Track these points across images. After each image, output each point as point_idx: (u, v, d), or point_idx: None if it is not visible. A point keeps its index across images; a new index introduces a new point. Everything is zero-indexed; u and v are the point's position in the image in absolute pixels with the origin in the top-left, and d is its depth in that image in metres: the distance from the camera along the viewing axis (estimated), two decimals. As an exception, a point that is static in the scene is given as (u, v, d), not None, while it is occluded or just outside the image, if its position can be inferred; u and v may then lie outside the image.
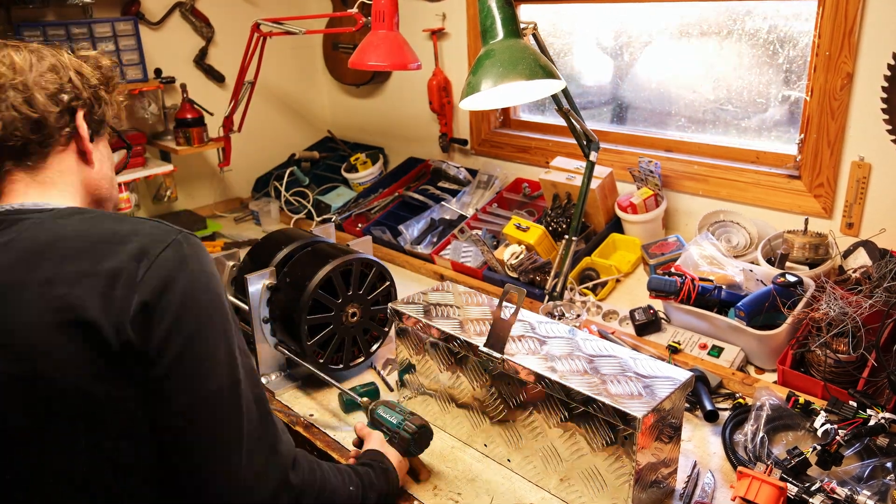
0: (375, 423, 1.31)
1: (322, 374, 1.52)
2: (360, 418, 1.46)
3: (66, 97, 0.98)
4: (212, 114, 2.60)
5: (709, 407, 1.46)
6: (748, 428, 1.35)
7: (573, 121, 1.74)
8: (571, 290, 1.92)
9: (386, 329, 1.67)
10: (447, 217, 2.45)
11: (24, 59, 0.96)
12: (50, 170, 0.99)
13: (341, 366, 1.61)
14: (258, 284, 1.55)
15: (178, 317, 0.86)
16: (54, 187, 0.99)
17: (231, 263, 1.74)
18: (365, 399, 1.38)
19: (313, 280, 1.50)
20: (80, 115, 1.00)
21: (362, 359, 1.65)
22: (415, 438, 1.26)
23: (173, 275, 0.87)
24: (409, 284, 2.19)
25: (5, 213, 0.94)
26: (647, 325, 1.72)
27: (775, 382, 1.54)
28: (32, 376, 0.83)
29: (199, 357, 0.88)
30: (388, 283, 1.65)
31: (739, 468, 1.18)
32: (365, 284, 1.60)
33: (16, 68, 0.94)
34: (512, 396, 1.26)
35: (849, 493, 1.13)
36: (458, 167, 2.60)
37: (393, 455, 1.24)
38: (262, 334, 1.58)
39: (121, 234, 0.89)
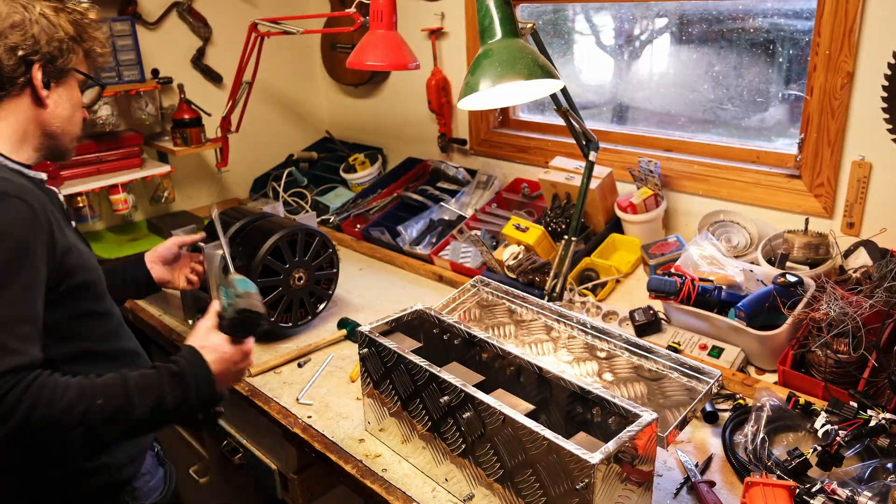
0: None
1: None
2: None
3: (21, 52, 1.15)
4: (209, 114, 2.59)
5: (708, 408, 1.46)
6: (748, 429, 1.35)
7: (572, 120, 1.73)
8: (571, 290, 1.91)
9: (330, 292, 1.91)
10: (446, 217, 2.45)
11: None
12: (4, 105, 1.19)
13: (290, 324, 1.83)
14: (215, 254, 1.69)
15: None
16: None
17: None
18: (226, 277, 1.30)
19: (263, 247, 1.71)
20: (35, 66, 1.18)
21: (309, 318, 1.88)
22: (233, 323, 1.19)
23: None
24: (407, 286, 2.19)
25: None
26: (647, 325, 1.72)
27: (776, 383, 1.53)
28: None
29: None
30: (330, 250, 1.86)
31: (747, 479, 1.17)
32: (309, 252, 1.81)
33: None
34: (471, 431, 1.21)
35: (850, 494, 1.12)
36: (457, 167, 2.59)
37: (214, 348, 1.19)
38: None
39: None
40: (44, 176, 1.28)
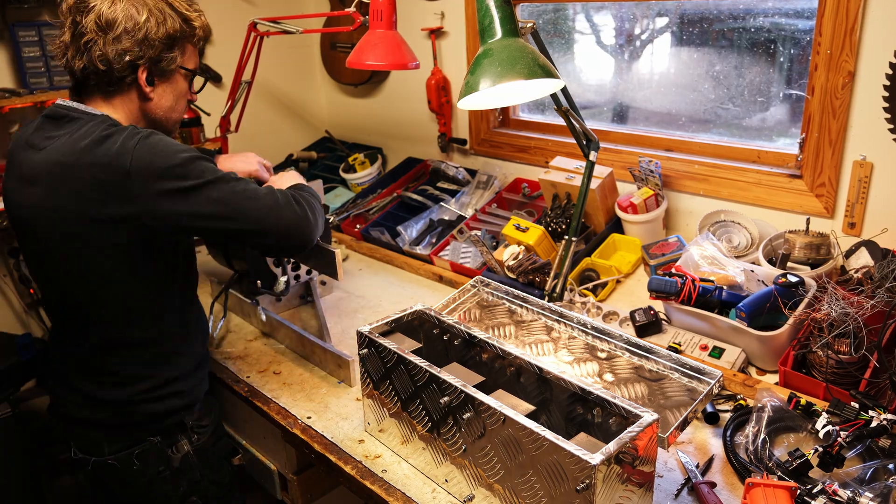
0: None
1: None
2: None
3: (128, 58, 1.34)
4: (209, 114, 2.59)
5: (709, 409, 1.45)
6: (749, 430, 1.34)
7: (573, 120, 1.73)
8: (571, 291, 1.91)
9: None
10: (446, 217, 2.44)
11: (108, 18, 1.31)
12: (116, 99, 1.40)
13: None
14: None
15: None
16: (111, 108, 1.40)
17: None
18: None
19: None
20: (140, 69, 1.37)
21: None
22: None
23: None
24: (407, 286, 2.18)
25: (71, 109, 1.38)
26: (648, 326, 1.71)
27: (777, 384, 1.53)
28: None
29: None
30: None
31: (748, 480, 1.16)
32: None
33: (103, 27, 1.31)
34: (469, 431, 1.22)
35: (851, 494, 1.12)
36: (457, 167, 2.59)
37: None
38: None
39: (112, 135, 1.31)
40: None
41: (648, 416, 1.09)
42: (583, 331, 1.44)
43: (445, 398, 1.22)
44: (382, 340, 1.34)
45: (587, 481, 1.01)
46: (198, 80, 1.59)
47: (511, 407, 1.14)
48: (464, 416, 1.19)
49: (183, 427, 1.50)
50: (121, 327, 1.41)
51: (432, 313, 1.46)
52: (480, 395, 1.17)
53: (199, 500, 1.55)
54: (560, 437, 1.05)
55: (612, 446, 1.03)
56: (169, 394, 1.47)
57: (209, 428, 1.56)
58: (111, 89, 1.37)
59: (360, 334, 1.39)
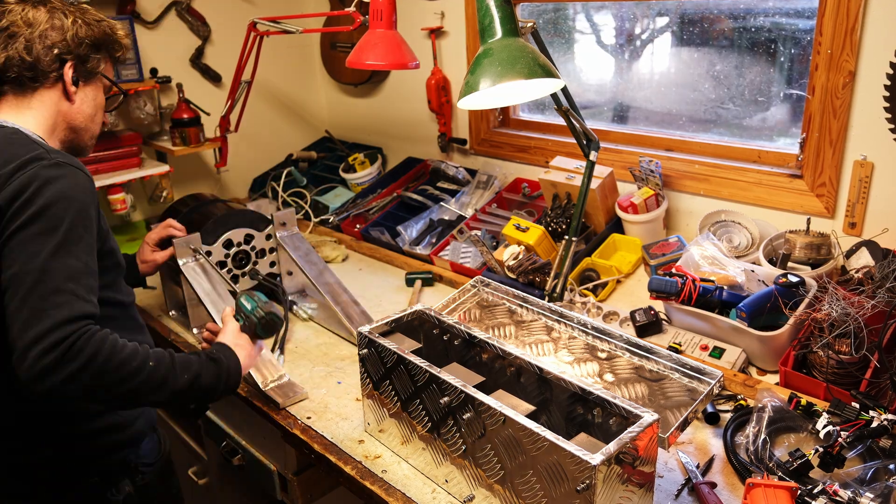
0: (238, 310, 1.46)
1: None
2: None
3: (56, 51, 1.30)
4: (208, 114, 2.59)
5: (710, 409, 1.45)
6: (750, 430, 1.34)
7: (573, 120, 1.72)
8: (571, 291, 1.91)
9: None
10: (446, 217, 2.44)
11: (35, 16, 1.29)
12: (34, 99, 1.33)
13: None
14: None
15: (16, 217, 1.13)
16: (30, 111, 1.32)
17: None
18: (241, 290, 1.53)
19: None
20: (68, 64, 1.32)
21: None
22: (262, 323, 1.42)
23: (26, 185, 1.15)
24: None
25: None
26: (648, 326, 1.71)
27: (777, 384, 1.53)
28: None
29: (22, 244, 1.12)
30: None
31: (748, 480, 1.16)
32: None
33: (28, 22, 1.28)
34: (470, 431, 1.21)
35: (851, 495, 1.12)
36: (457, 167, 2.58)
37: (243, 346, 1.40)
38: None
39: (15, 155, 1.20)
40: None
41: (649, 416, 1.09)
42: (583, 331, 1.44)
43: (445, 398, 1.21)
44: (382, 340, 1.34)
45: (587, 482, 1.01)
46: (114, 98, 1.51)
47: (511, 407, 1.14)
48: (464, 417, 1.19)
49: (125, 466, 1.38)
50: None
51: (432, 313, 1.46)
52: (480, 396, 1.16)
53: None
54: (560, 438, 1.05)
55: (612, 446, 1.02)
56: (105, 428, 1.33)
57: (156, 466, 1.45)
58: (34, 85, 1.30)
59: (359, 334, 1.38)
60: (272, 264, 2.05)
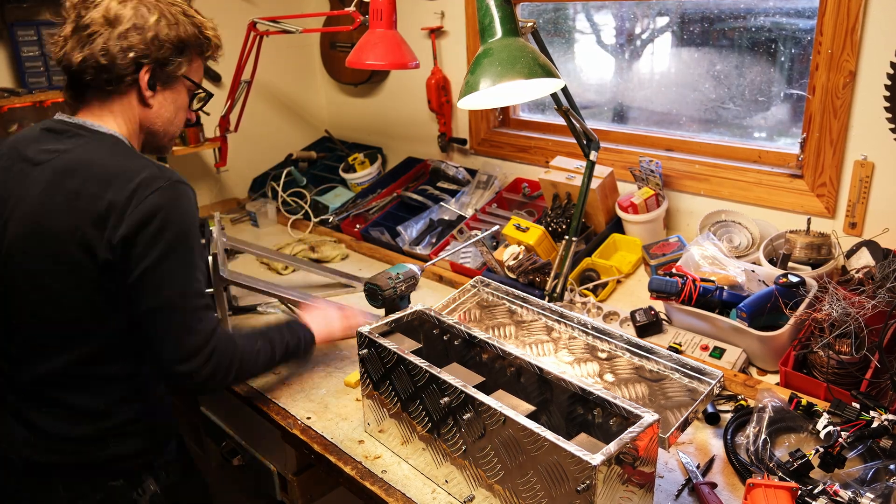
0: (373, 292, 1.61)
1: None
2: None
3: (133, 54, 1.25)
4: (208, 114, 2.55)
5: (710, 409, 1.45)
6: (750, 430, 1.34)
7: (573, 120, 1.72)
8: (572, 291, 1.90)
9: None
10: (446, 217, 2.44)
11: (120, 13, 1.24)
12: (115, 103, 1.30)
13: None
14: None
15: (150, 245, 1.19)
16: (111, 115, 1.30)
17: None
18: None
19: None
20: (143, 69, 1.27)
21: None
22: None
23: (154, 212, 1.19)
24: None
25: (75, 126, 1.29)
26: (648, 326, 1.71)
27: (777, 384, 1.52)
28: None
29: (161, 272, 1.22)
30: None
31: (749, 480, 1.16)
32: None
33: (110, 20, 1.24)
34: (470, 431, 1.21)
35: (852, 495, 1.12)
36: (457, 167, 2.58)
37: (316, 320, 1.59)
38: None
39: (128, 171, 1.21)
40: None
41: (649, 416, 1.08)
42: (583, 331, 1.44)
43: (445, 399, 1.21)
44: (382, 341, 1.34)
45: (588, 482, 1.00)
46: (198, 98, 1.48)
47: (511, 407, 1.14)
48: (464, 417, 1.18)
49: (150, 466, 1.38)
50: (97, 364, 1.29)
51: (432, 313, 1.46)
52: (480, 396, 1.16)
53: None
54: (560, 438, 1.05)
55: (612, 447, 1.02)
56: (137, 431, 1.35)
57: (179, 465, 1.46)
58: (109, 89, 1.27)
59: (359, 334, 1.38)
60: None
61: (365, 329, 1.38)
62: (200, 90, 1.42)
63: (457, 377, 1.22)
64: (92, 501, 1.33)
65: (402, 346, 1.33)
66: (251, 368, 1.40)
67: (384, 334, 1.41)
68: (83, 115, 1.31)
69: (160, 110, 1.34)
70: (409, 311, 1.47)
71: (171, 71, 1.31)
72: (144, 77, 1.28)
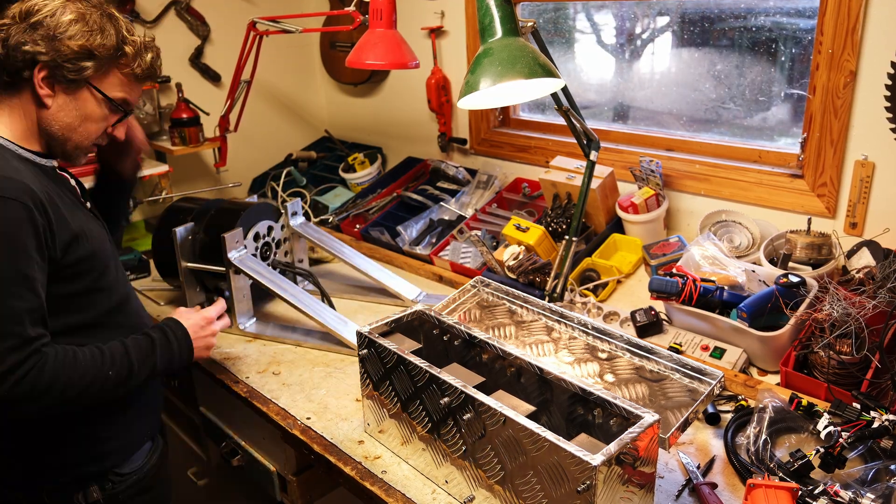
0: None
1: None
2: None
3: (28, 48, 1.22)
4: (208, 113, 2.58)
5: (710, 409, 1.45)
6: (750, 430, 1.34)
7: (573, 120, 1.72)
8: (572, 291, 1.90)
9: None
10: (446, 217, 2.44)
11: (36, 9, 1.23)
12: (12, 97, 1.27)
13: None
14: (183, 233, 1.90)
15: None
16: (8, 111, 1.27)
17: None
18: None
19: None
20: (38, 66, 1.23)
21: None
22: None
23: None
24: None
25: None
26: (649, 326, 1.71)
27: (778, 384, 1.52)
28: None
29: None
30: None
31: (749, 481, 1.16)
32: None
33: (23, 15, 1.22)
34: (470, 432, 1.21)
35: (852, 496, 1.11)
36: (457, 167, 2.58)
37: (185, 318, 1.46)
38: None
39: None
40: (55, 163, 1.35)
41: (649, 416, 1.08)
42: (583, 331, 1.44)
43: (445, 399, 1.21)
44: (382, 341, 1.34)
45: (588, 482, 1.00)
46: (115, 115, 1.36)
47: (511, 408, 1.14)
48: (464, 417, 1.18)
49: (99, 475, 1.35)
50: None
51: (432, 313, 1.46)
52: (481, 396, 1.16)
53: None
54: (560, 438, 1.04)
55: (612, 447, 1.02)
56: (78, 439, 1.33)
57: (131, 477, 1.40)
58: (7, 81, 1.24)
59: (359, 335, 1.38)
60: (286, 253, 2.10)
61: (365, 329, 1.38)
62: (119, 108, 1.33)
63: (457, 377, 1.22)
64: (38, 498, 1.32)
65: (402, 347, 1.33)
66: (77, 381, 1.22)
67: (384, 334, 1.41)
68: None
69: (58, 113, 1.28)
70: (409, 311, 1.47)
71: (70, 75, 1.25)
72: (39, 75, 1.24)
